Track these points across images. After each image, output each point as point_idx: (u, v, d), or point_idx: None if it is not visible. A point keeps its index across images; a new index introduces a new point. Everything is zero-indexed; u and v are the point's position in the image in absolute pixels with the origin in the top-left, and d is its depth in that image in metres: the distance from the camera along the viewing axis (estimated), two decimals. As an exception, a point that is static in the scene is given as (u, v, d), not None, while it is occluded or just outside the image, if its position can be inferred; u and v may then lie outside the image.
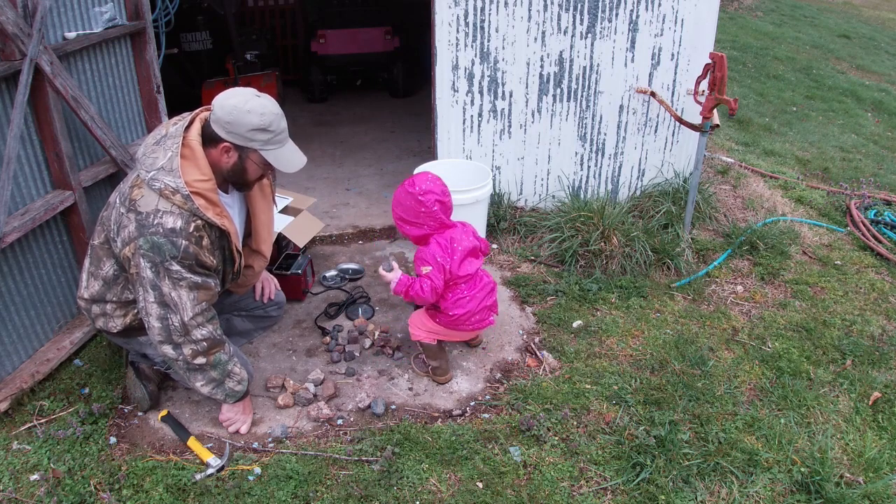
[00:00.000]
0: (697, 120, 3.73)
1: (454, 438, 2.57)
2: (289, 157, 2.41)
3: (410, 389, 2.88)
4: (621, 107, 4.16)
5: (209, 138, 2.33)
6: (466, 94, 4.01)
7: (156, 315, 2.32)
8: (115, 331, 2.55)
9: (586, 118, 4.17)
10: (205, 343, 2.38)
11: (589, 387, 2.87)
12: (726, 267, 3.86)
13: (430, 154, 4.30)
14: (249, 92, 2.32)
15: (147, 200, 2.25)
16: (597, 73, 4.04)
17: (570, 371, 2.97)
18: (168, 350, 2.37)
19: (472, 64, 3.94)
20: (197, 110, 2.43)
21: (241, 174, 2.41)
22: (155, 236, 2.23)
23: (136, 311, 2.50)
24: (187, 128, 2.33)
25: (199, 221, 2.28)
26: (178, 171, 2.23)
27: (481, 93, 4.03)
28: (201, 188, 2.27)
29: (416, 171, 3.75)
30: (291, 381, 2.85)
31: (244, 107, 2.27)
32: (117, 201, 2.36)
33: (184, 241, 2.24)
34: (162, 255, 2.24)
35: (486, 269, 3.80)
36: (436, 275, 2.70)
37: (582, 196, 4.29)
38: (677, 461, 2.47)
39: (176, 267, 2.26)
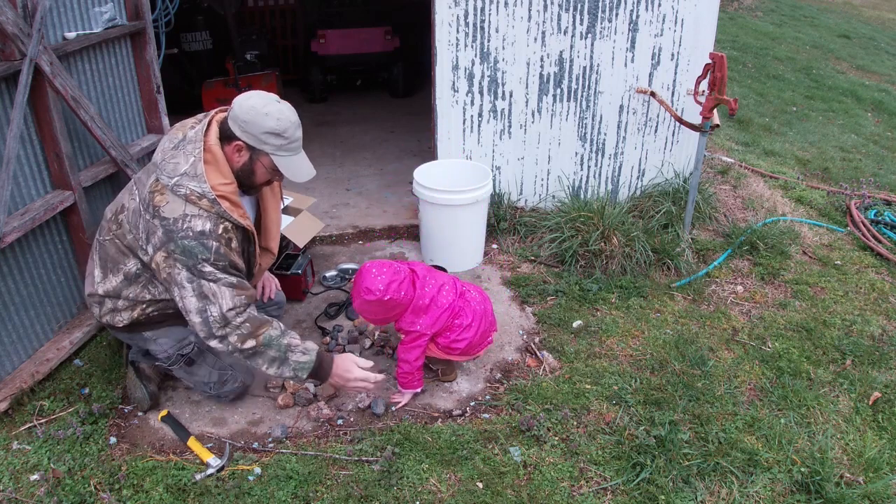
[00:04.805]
0: (697, 120, 3.73)
1: (454, 438, 2.57)
2: (298, 166, 2.43)
3: (410, 389, 2.88)
4: (621, 107, 4.15)
5: (224, 136, 2.36)
6: (466, 95, 4.01)
7: (195, 309, 2.32)
8: (120, 325, 2.56)
9: (586, 118, 4.17)
10: (248, 325, 2.36)
11: (589, 387, 2.87)
12: (726, 267, 3.86)
13: (430, 154, 4.30)
14: (271, 97, 2.36)
15: (173, 207, 2.27)
16: (597, 73, 4.04)
17: (570, 371, 2.97)
18: (216, 344, 2.37)
19: (472, 64, 3.94)
20: (212, 112, 2.45)
21: (249, 175, 2.43)
22: (185, 240, 2.25)
23: (144, 306, 2.51)
24: (205, 131, 2.35)
25: (227, 223, 2.32)
26: (203, 177, 2.26)
27: (481, 93, 4.03)
28: (225, 191, 2.31)
29: (415, 172, 3.76)
30: (291, 381, 2.85)
31: (262, 109, 2.30)
32: (140, 207, 2.36)
33: (214, 243, 2.27)
34: (194, 258, 2.27)
35: (487, 270, 3.81)
36: (409, 347, 2.70)
37: (582, 196, 4.29)
38: (677, 461, 2.47)
39: (209, 268, 2.28)
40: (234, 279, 2.34)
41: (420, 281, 2.73)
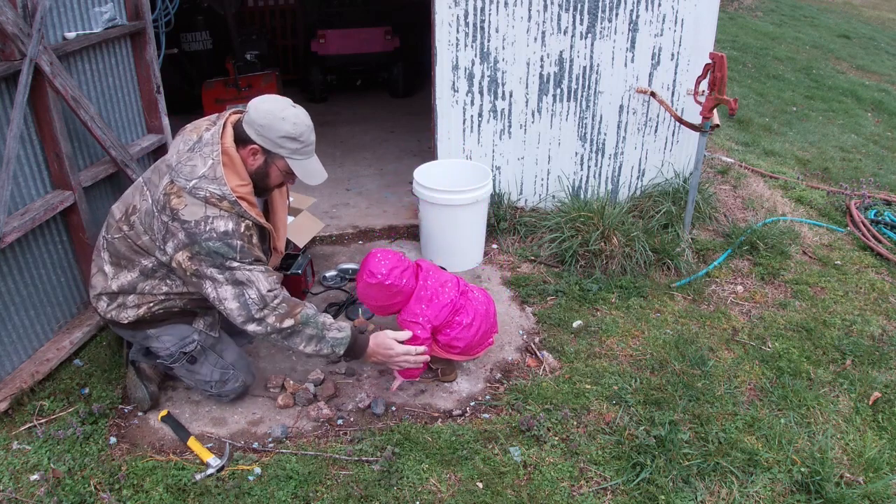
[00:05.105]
0: (697, 120, 3.73)
1: (454, 438, 2.57)
2: (312, 169, 2.47)
3: (410, 389, 2.88)
4: (621, 107, 4.15)
5: (239, 139, 2.39)
6: (466, 94, 4.01)
7: (232, 296, 2.35)
8: (125, 322, 2.56)
9: (586, 118, 4.17)
10: (285, 305, 2.41)
11: (589, 387, 2.87)
12: (726, 267, 3.86)
13: (430, 154, 4.30)
14: (286, 101, 2.40)
15: (192, 210, 2.30)
16: (597, 73, 4.04)
17: (570, 371, 2.97)
18: (254, 328, 2.40)
19: (472, 64, 3.94)
20: (226, 114, 2.47)
21: (263, 178, 2.46)
22: (209, 242, 2.28)
23: (152, 304, 2.52)
24: (221, 134, 2.37)
25: (248, 221, 2.36)
26: (222, 179, 2.29)
27: (481, 93, 4.03)
28: (243, 192, 2.35)
29: (415, 172, 3.76)
30: (291, 381, 2.85)
31: (279, 113, 2.33)
32: (154, 209, 2.37)
33: (238, 242, 2.31)
34: (221, 258, 2.30)
35: (487, 270, 3.81)
36: (420, 336, 2.68)
37: (582, 196, 4.29)
38: (677, 461, 2.47)
39: (237, 264, 2.32)
40: (262, 267, 2.39)
41: (423, 273, 2.77)
